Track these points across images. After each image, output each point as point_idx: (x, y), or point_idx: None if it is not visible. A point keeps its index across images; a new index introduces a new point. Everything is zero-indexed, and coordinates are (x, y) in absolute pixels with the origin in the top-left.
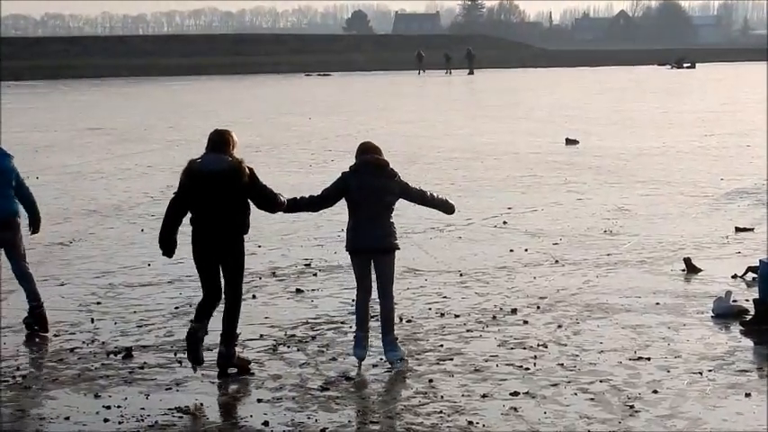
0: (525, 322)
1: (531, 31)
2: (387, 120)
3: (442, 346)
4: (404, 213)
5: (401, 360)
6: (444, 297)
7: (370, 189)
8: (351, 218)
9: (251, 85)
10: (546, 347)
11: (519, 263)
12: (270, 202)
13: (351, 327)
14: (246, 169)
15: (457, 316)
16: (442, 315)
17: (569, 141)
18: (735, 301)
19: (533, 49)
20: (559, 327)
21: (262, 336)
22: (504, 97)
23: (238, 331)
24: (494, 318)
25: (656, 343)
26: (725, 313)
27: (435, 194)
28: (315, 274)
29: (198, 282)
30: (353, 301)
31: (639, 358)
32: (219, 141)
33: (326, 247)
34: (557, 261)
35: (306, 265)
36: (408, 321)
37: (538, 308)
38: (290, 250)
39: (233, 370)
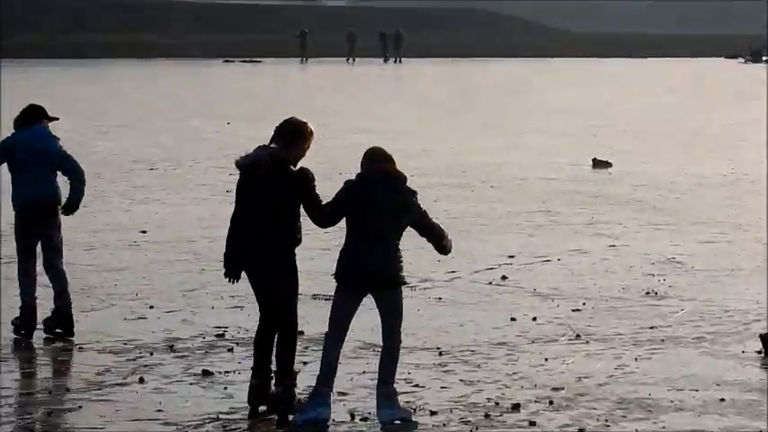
0: (532, 423)
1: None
2: (336, 127)
3: None
4: None
5: (403, 420)
6: (416, 386)
7: (380, 205)
8: (349, 238)
9: (147, 74)
10: None
11: (524, 337)
12: (318, 217)
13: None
14: (298, 168)
15: (433, 413)
16: (413, 411)
17: (598, 163)
18: None
19: (553, 33)
20: (581, 431)
21: None
22: (506, 99)
23: (295, 368)
24: (486, 416)
25: None
26: None
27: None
28: (230, 350)
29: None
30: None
31: None
32: (285, 133)
33: (248, 309)
34: (578, 336)
35: (218, 335)
36: (363, 420)
37: (550, 403)
38: (196, 313)
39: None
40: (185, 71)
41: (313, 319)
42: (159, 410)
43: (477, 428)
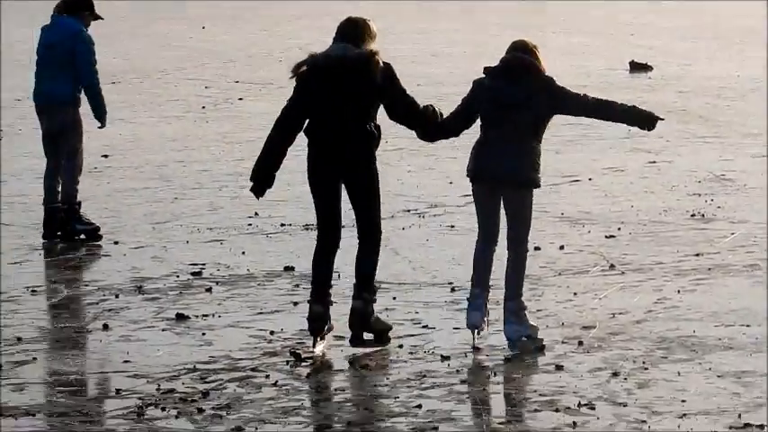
0: (559, 368)
1: None
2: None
3: (419, 407)
4: None
5: (529, 338)
6: (425, 327)
7: (504, 101)
8: (481, 135)
9: None
10: (593, 409)
11: (549, 268)
12: (415, 114)
13: (267, 376)
14: (381, 63)
15: (445, 358)
16: (423, 356)
17: (636, 66)
18: None
19: None
20: (615, 375)
21: (119, 391)
22: None
23: (376, 283)
24: (506, 361)
25: None
26: None
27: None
28: (208, 290)
29: None
30: (271, 332)
31: (747, 426)
32: (351, 32)
33: (230, 242)
34: (612, 266)
35: (194, 273)
36: (364, 367)
37: (580, 344)
38: (168, 249)
39: (369, 336)
40: None
41: (305, 252)
42: (126, 361)
43: (495, 374)
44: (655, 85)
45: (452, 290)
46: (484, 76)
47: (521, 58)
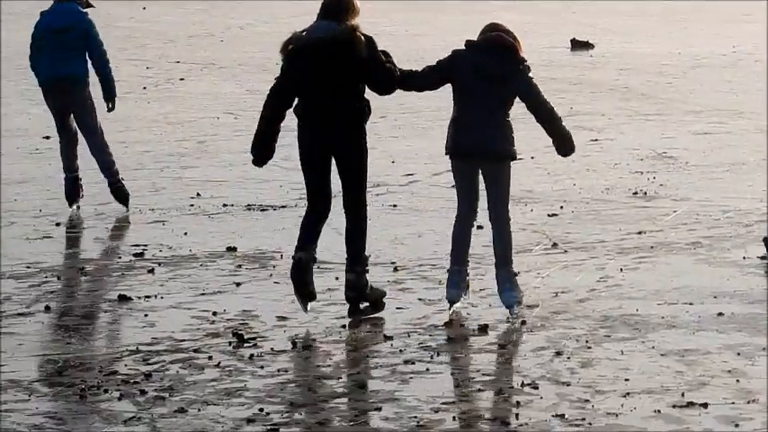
0: (502, 347)
1: None
2: (273, 8)
3: (362, 387)
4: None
5: (520, 304)
6: (368, 306)
7: (485, 75)
8: (455, 110)
9: None
10: (536, 389)
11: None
12: (388, 79)
13: (210, 357)
14: (363, 38)
15: (388, 338)
16: (366, 336)
17: (577, 44)
18: None
19: None
20: (558, 354)
21: (61, 373)
22: None
23: (367, 253)
24: (449, 340)
25: (716, 379)
26: None
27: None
28: (150, 271)
29: None
30: (214, 313)
31: (690, 405)
32: (335, 8)
33: (173, 222)
34: (555, 244)
35: (136, 255)
36: (306, 347)
37: (523, 323)
38: (110, 230)
39: (365, 304)
40: None
41: (247, 233)
42: (68, 343)
43: (438, 354)
44: (596, 63)
45: (395, 269)
46: (465, 48)
47: (504, 38)
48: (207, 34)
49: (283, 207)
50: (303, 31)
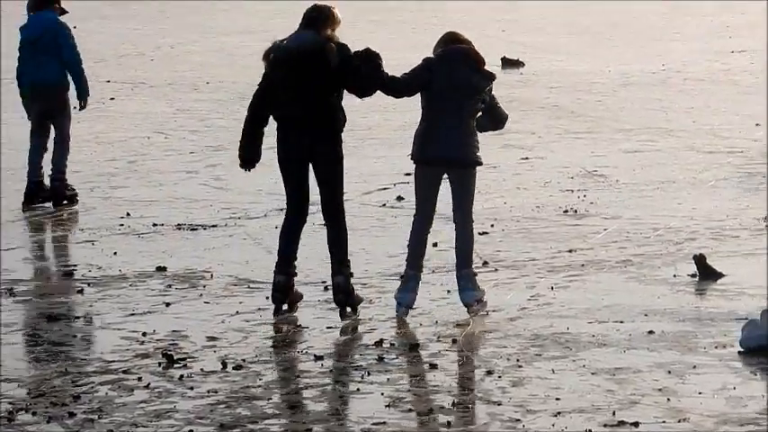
0: (433, 366)
1: None
2: (204, 27)
3: (293, 408)
4: (231, 183)
5: (479, 303)
6: (298, 326)
7: (458, 85)
8: (424, 120)
9: None
10: (467, 409)
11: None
12: (364, 83)
13: (140, 378)
14: (335, 48)
15: (318, 358)
16: (296, 356)
17: (508, 62)
18: None
19: None
20: (489, 373)
21: None
22: None
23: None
24: (380, 360)
25: (647, 398)
26: (760, 346)
27: None
28: (80, 291)
29: None
30: (143, 334)
31: (621, 423)
32: (315, 19)
33: (103, 242)
34: (485, 263)
35: (66, 274)
36: (237, 368)
37: (454, 342)
38: (40, 250)
39: (349, 311)
40: None
41: (177, 252)
42: None
43: (369, 374)
44: (527, 81)
45: (325, 288)
46: (437, 57)
47: (473, 49)
48: (137, 53)
49: (214, 227)
50: (283, 39)
